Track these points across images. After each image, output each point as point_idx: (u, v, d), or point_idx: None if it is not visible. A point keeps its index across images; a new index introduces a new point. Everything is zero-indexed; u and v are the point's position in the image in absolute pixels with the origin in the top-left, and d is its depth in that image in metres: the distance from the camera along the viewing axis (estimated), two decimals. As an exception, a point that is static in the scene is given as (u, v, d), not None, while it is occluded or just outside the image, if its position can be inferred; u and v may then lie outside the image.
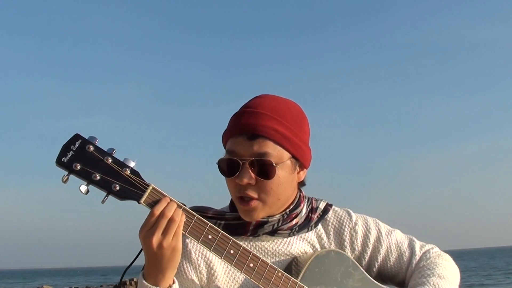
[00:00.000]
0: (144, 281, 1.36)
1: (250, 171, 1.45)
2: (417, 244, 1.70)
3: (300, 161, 1.54)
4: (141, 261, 1.46)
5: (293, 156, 1.51)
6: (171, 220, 1.33)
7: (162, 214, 1.33)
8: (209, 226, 1.40)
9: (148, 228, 1.33)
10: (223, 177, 1.52)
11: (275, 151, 1.46)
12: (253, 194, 1.47)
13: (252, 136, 1.45)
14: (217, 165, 1.51)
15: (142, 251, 1.38)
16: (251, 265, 1.43)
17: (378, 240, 1.67)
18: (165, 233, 1.32)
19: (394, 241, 1.68)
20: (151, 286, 1.35)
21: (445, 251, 1.72)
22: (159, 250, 1.32)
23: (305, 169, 1.59)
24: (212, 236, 1.40)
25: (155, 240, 1.31)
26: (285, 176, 1.49)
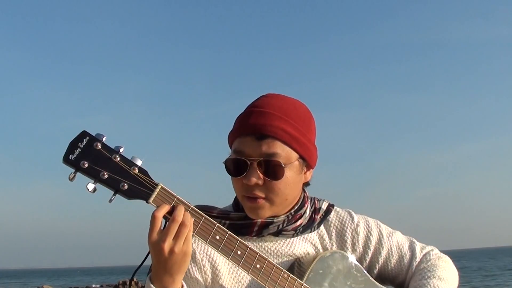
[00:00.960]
0: (151, 285, 1.34)
1: (258, 171, 1.44)
2: (418, 246, 1.70)
3: (308, 161, 1.53)
4: (147, 261, 1.44)
5: (301, 157, 1.50)
6: (182, 225, 1.31)
7: (172, 218, 1.31)
8: (217, 226, 1.39)
9: (156, 233, 1.30)
10: (226, 176, 1.51)
11: (283, 152, 1.45)
12: (260, 194, 1.46)
13: (260, 136, 1.44)
14: (224, 165, 1.50)
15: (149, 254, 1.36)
16: (258, 266, 1.42)
17: (380, 242, 1.67)
18: (176, 238, 1.30)
19: (395, 243, 1.68)
20: None
21: (446, 251, 1.72)
22: (170, 256, 1.30)
23: (311, 169, 1.59)
24: (219, 237, 1.38)
25: (167, 245, 1.29)
26: (293, 176, 1.48)
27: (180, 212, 1.32)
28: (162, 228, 1.33)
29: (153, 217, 1.31)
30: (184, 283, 1.39)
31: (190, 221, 1.33)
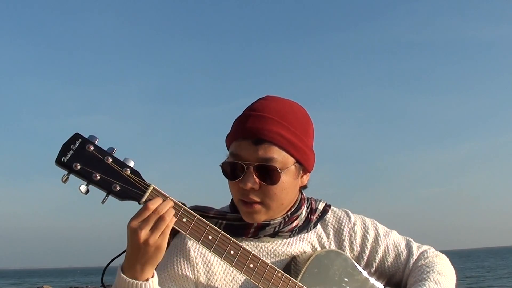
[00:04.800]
0: (121, 274, 1.34)
1: (254, 175, 1.44)
2: (414, 245, 1.72)
3: (304, 166, 1.54)
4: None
5: (298, 161, 1.50)
6: (161, 218, 1.32)
7: (155, 210, 1.32)
8: (209, 226, 1.40)
9: (138, 221, 1.31)
10: (224, 178, 1.52)
11: (280, 157, 1.45)
12: (256, 198, 1.47)
13: (257, 140, 1.45)
14: (220, 168, 1.50)
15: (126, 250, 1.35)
16: (251, 265, 1.42)
17: (376, 240, 1.68)
18: (153, 229, 1.31)
19: (391, 241, 1.69)
20: (128, 278, 1.33)
21: (448, 251, 1.73)
22: (144, 246, 1.31)
23: (308, 173, 1.59)
24: (212, 237, 1.39)
25: (143, 235, 1.30)
26: (289, 181, 1.49)
27: (164, 206, 1.33)
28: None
29: (145, 207, 1.32)
30: (155, 273, 1.38)
31: (169, 216, 1.33)
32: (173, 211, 1.35)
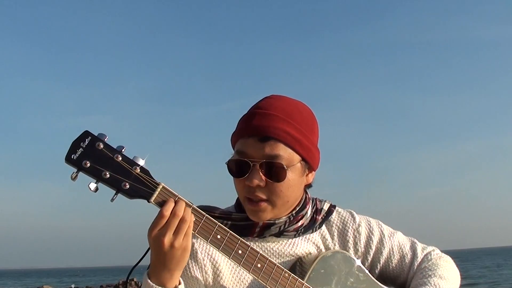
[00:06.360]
0: (149, 281, 1.35)
1: (260, 173, 1.45)
2: (419, 246, 1.71)
3: (310, 164, 1.54)
4: (144, 261, 1.45)
5: (303, 159, 1.51)
6: (182, 220, 1.32)
7: (173, 213, 1.32)
8: (218, 226, 1.40)
9: (159, 228, 1.31)
10: (228, 176, 1.52)
11: (286, 154, 1.46)
12: (262, 195, 1.47)
13: (263, 138, 1.45)
14: (226, 166, 1.50)
15: (149, 251, 1.37)
16: (259, 265, 1.43)
17: (381, 241, 1.68)
18: (176, 233, 1.31)
19: (396, 243, 1.69)
20: (157, 286, 1.33)
21: (448, 251, 1.73)
22: (170, 250, 1.31)
23: (313, 172, 1.60)
24: (220, 236, 1.39)
25: (167, 240, 1.30)
26: (295, 179, 1.49)
27: (181, 207, 1.33)
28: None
29: (161, 215, 1.32)
30: (181, 280, 1.40)
31: (190, 216, 1.34)
32: (190, 211, 1.35)
